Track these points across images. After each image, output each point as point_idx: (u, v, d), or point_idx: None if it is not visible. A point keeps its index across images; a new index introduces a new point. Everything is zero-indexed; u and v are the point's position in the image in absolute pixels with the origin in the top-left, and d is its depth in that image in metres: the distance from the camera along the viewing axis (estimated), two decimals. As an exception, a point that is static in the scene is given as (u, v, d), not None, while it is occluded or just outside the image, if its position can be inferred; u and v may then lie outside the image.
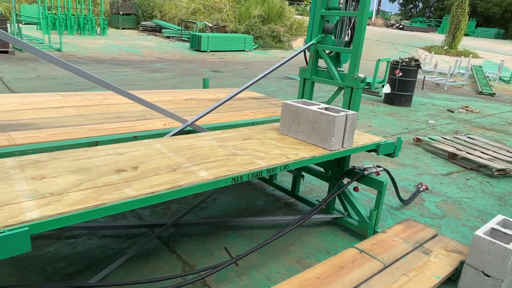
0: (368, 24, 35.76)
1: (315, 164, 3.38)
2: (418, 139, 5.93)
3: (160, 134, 2.48)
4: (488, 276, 2.25)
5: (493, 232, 2.38)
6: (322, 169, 3.39)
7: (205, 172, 1.86)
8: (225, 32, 20.88)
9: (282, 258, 2.72)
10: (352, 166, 3.10)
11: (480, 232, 2.31)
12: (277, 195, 3.80)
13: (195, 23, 20.79)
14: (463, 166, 5.09)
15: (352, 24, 3.02)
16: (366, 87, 10.67)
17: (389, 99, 8.96)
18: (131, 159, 1.96)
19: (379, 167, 3.13)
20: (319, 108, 2.53)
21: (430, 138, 5.93)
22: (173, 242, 2.80)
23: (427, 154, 5.48)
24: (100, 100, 3.22)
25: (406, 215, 3.58)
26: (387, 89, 8.67)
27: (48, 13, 16.57)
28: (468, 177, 4.71)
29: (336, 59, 3.23)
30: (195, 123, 2.59)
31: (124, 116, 2.82)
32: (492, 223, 2.45)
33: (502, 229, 2.37)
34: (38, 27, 16.06)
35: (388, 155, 2.93)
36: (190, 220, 2.92)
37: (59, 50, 12.54)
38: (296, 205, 3.62)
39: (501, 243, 2.20)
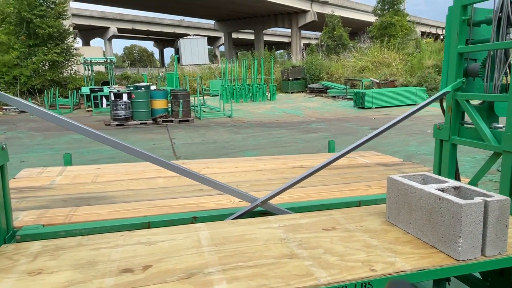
0: None
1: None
2: None
3: (224, 215, 2.04)
4: None
5: None
6: (479, 274, 2.26)
7: (224, 286, 1.29)
8: (394, 86, 19.68)
9: None
10: (527, 277, 1.92)
11: None
12: (412, 298, 2.74)
13: (360, 80, 20.40)
14: None
15: (509, 60, 2.02)
16: None
17: None
18: (155, 252, 1.57)
19: None
20: (441, 188, 1.64)
21: None
22: None
23: None
24: (200, 170, 3.04)
25: None
26: None
27: (228, 85, 19.13)
28: None
29: (489, 112, 2.21)
30: (270, 202, 2.05)
31: (205, 189, 2.51)
32: None
33: None
34: (220, 98, 18.63)
35: None
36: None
37: (230, 116, 14.01)
38: (439, 321, 2.50)
39: None
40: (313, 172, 2.13)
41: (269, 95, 20.37)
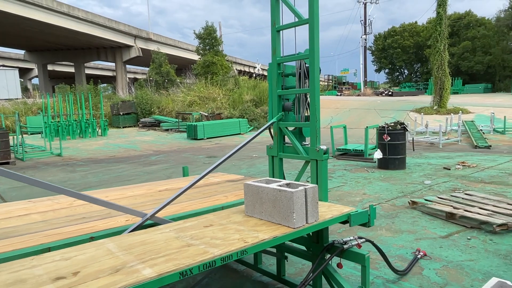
0: (358, 95, 37.36)
1: (294, 243, 3.24)
2: (414, 202, 5.75)
3: (119, 232, 2.40)
4: None
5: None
6: (304, 248, 3.23)
7: (149, 270, 1.75)
8: (221, 118, 21.70)
9: None
10: (332, 241, 2.94)
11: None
12: (264, 281, 3.56)
13: (191, 114, 21.72)
14: (463, 225, 4.85)
15: (308, 100, 3.11)
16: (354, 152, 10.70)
17: (383, 164, 8.91)
18: (76, 263, 1.87)
19: (361, 238, 2.97)
20: (279, 185, 2.48)
21: (425, 200, 5.75)
22: None
23: (425, 217, 5.26)
24: (70, 203, 3.19)
25: (403, 287, 3.31)
26: (378, 154, 8.68)
27: (51, 122, 17.47)
28: (469, 237, 4.45)
29: (300, 134, 3.27)
30: (156, 215, 2.53)
31: (88, 217, 2.77)
32: (484, 289, 2.23)
33: (494, 295, 2.15)
34: (43, 136, 16.80)
35: (363, 225, 2.80)
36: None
37: (59, 155, 12.94)
38: (284, 291, 3.37)
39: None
40: (187, 188, 2.72)
41: (100, 130, 19.49)
